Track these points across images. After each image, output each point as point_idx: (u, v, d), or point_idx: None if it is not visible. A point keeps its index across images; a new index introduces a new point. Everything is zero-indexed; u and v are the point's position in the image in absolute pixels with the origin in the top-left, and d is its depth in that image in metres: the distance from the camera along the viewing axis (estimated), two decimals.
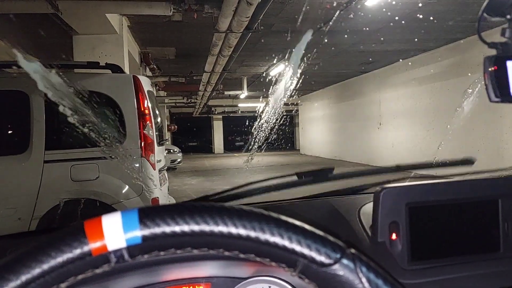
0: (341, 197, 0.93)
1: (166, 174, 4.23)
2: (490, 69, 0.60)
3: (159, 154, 3.79)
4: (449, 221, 0.73)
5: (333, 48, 8.21)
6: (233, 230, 0.33)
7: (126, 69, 5.50)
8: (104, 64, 3.63)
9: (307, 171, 0.83)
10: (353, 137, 12.91)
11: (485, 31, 0.62)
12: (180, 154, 11.85)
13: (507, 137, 6.69)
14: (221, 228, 0.32)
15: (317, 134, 16.84)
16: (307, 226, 0.34)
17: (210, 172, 11.65)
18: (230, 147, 22.39)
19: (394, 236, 0.71)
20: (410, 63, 9.58)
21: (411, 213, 0.71)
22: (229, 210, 0.34)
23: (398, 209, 0.71)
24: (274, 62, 9.44)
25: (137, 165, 3.35)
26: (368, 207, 0.83)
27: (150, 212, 0.33)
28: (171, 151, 11.30)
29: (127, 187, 3.32)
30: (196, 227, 0.32)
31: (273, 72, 10.31)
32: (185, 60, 9.09)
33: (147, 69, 8.51)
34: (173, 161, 11.14)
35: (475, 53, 7.29)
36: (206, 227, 0.32)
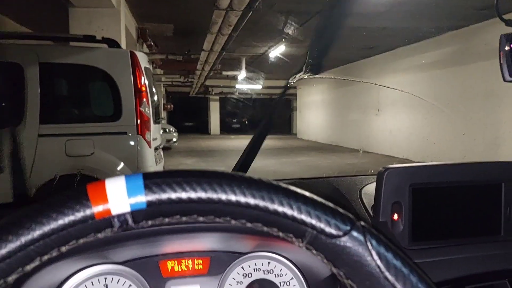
0: (342, 178, 0.92)
1: (161, 153, 4.22)
2: (506, 48, 0.58)
3: (155, 132, 3.76)
4: (451, 203, 0.73)
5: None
6: (241, 198, 0.32)
7: (123, 45, 5.40)
8: (101, 38, 3.56)
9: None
10: (351, 123, 12.92)
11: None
12: (175, 134, 11.80)
13: (504, 127, 6.72)
14: (230, 196, 0.31)
15: (315, 118, 16.82)
16: (316, 197, 0.34)
17: (206, 153, 11.65)
18: (226, 128, 22.33)
19: (396, 216, 0.70)
20: (410, 50, 9.51)
21: (414, 194, 0.70)
22: (238, 178, 0.33)
23: (402, 190, 0.70)
24: (274, 43, 9.32)
25: (133, 142, 3.32)
26: (370, 188, 0.82)
27: (155, 177, 0.31)
28: (167, 130, 11.25)
29: (122, 164, 3.30)
30: (203, 195, 0.31)
31: (273, 53, 10.20)
32: (183, 37, 8.95)
33: (144, 45, 8.37)
34: (168, 140, 11.11)
35: (477, 42, 7.25)
36: (213, 195, 0.31)
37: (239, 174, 0.33)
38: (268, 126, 0.90)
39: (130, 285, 0.67)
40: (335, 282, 0.68)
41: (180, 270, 0.70)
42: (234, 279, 0.71)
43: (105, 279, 0.67)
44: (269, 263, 0.72)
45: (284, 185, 0.34)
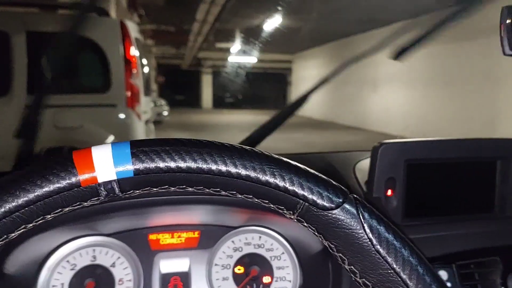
0: (336, 153, 0.90)
1: (152, 127, 4.17)
2: (508, 21, 0.55)
3: (145, 105, 3.70)
4: (446, 180, 0.72)
5: (331, 2, 7.93)
6: (232, 169, 0.30)
7: (113, 14, 5.23)
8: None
9: None
10: (347, 99, 12.85)
11: None
12: (167, 108, 11.67)
13: (501, 106, 6.74)
14: (220, 167, 0.30)
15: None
16: (309, 169, 0.33)
17: (198, 128, 11.59)
18: (219, 103, 22.14)
19: (389, 192, 0.69)
20: (408, 25, 9.38)
21: (409, 170, 0.69)
22: (229, 148, 0.31)
23: (396, 165, 0.69)
24: (270, 13, 9.11)
25: (123, 115, 3.27)
26: (364, 163, 0.81)
27: (143, 145, 0.30)
28: (157, 104, 11.10)
29: (112, 137, 3.26)
30: (193, 164, 0.30)
31: (268, 25, 9.99)
32: (176, 7, 8.70)
33: (135, 15, 8.13)
34: (159, 114, 10.98)
35: (476, 18, 7.16)
36: (203, 165, 0.30)
37: (230, 144, 0.32)
38: (297, 105, 0.91)
39: (118, 257, 0.66)
40: (326, 256, 0.68)
41: (169, 243, 0.69)
42: (224, 253, 0.70)
43: (94, 250, 0.66)
44: (260, 237, 0.72)
45: (276, 156, 0.32)
